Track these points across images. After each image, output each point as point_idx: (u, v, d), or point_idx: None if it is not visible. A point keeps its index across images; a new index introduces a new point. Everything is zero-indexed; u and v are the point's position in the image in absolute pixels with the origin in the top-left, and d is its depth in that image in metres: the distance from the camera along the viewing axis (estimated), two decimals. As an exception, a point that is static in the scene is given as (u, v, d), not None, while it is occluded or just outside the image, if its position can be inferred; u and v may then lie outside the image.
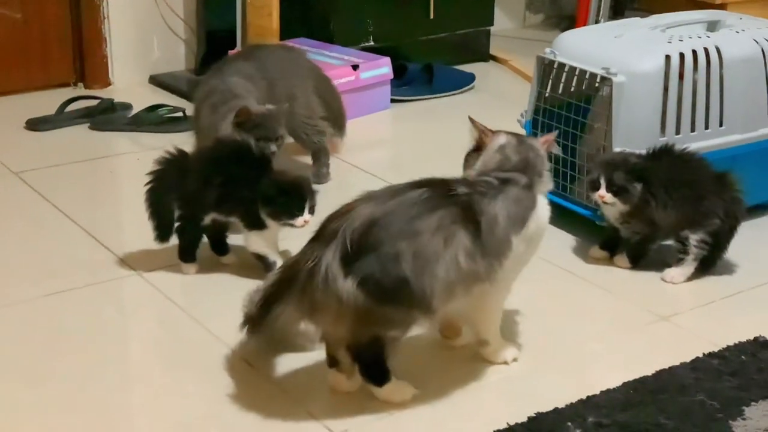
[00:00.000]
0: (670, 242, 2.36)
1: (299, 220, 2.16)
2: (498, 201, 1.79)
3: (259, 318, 1.78)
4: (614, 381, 1.88)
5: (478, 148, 1.93)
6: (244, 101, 2.50)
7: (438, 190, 1.77)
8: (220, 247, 2.34)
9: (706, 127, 2.45)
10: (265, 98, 2.60)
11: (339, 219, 1.73)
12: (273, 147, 2.44)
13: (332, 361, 1.84)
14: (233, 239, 2.34)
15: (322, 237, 1.74)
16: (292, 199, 2.16)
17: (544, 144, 1.95)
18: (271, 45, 3.12)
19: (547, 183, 1.92)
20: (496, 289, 1.84)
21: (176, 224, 2.27)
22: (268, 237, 2.23)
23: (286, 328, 1.79)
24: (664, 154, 2.31)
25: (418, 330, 1.81)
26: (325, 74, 2.99)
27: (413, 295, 1.70)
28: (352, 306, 1.69)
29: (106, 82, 3.64)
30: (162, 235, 2.27)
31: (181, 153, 2.27)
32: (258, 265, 2.25)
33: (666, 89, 2.39)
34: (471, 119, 1.95)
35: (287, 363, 1.93)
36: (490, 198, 1.79)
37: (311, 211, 2.17)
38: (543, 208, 1.89)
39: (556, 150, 2.18)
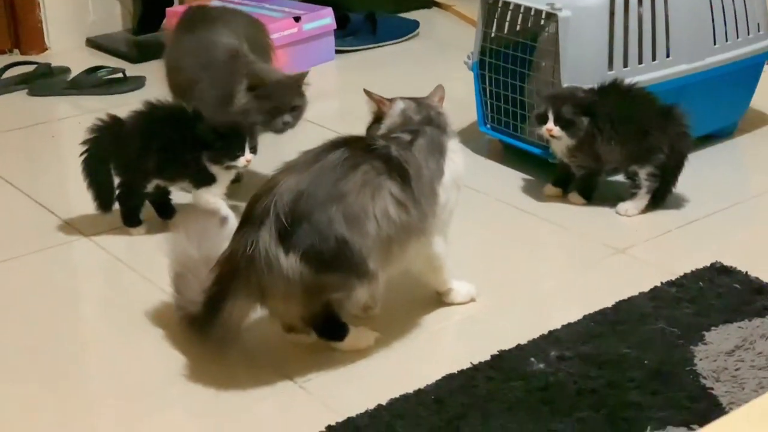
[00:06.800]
0: (621, 178, 2.36)
1: (241, 160, 2.13)
2: (415, 151, 1.79)
3: (208, 318, 1.72)
4: (574, 315, 1.88)
5: (378, 119, 1.91)
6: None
7: (357, 147, 1.74)
8: (165, 211, 2.29)
9: (653, 59, 2.44)
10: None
11: (264, 197, 1.69)
12: (287, 117, 2.30)
13: (288, 328, 1.82)
14: (178, 198, 2.30)
15: (251, 219, 1.69)
16: (230, 140, 2.13)
17: (440, 101, 1.94)
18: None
19: (453, 137, 1.90)
20: (432, 242, 1.83)
21: (117, 191, 2.22)
22: (216, 191, 2.20)
23: (240, 321, 1.75)
24: (611, 90, 2.30)
25: (364, 294, 1.76)
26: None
27: (353, 256, 1.68)
28: (299, 281, 1.67)
29: (43, 47, 3.55)
30: (103, 204, 2.22)
31: (115, 119, 2.22)
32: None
33: (612, 22, 2.37)
34: (366, 91, 1.93)
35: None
36: (406, 149, 1.78)
37: (253, 151, 2.13)
38: (456, 159, 1.87)
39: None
